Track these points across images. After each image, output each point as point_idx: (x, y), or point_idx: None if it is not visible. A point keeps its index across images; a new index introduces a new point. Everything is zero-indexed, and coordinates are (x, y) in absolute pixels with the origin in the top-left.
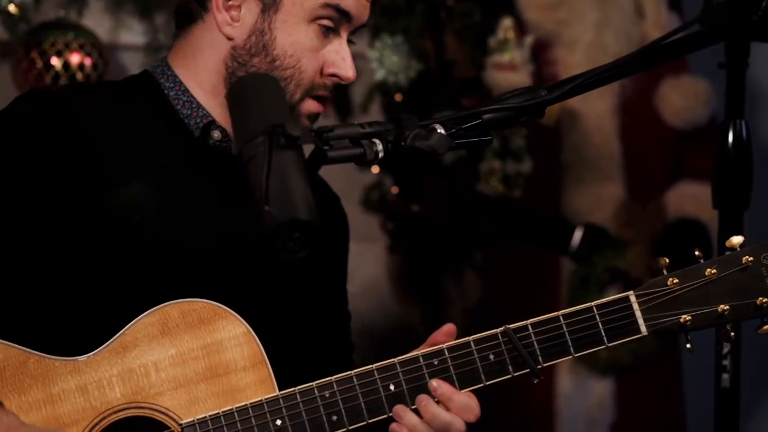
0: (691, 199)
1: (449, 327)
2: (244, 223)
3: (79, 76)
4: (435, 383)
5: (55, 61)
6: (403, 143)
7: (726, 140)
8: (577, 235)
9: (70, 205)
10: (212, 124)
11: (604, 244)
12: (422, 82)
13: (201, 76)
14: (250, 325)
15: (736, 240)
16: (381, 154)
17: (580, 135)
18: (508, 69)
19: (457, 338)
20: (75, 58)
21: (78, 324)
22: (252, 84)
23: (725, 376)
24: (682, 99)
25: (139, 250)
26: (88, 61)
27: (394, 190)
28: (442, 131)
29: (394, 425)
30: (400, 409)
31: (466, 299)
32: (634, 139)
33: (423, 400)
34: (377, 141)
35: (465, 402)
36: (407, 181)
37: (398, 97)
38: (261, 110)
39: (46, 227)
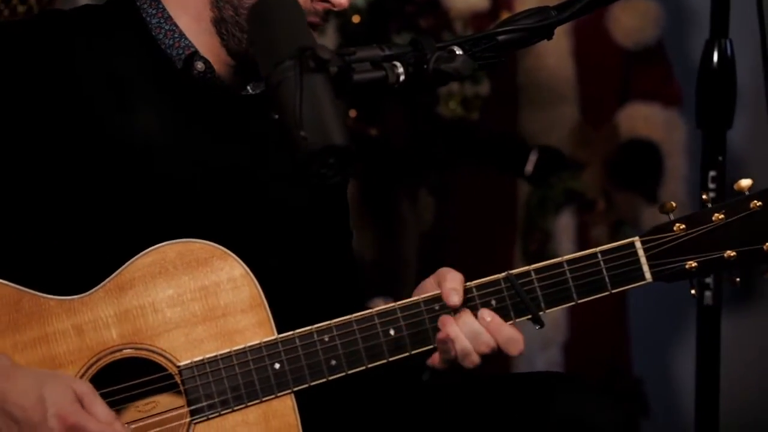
0: (642, 119)
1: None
2: (228, 156)
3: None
4: (485, 313)
5: None
6: (425, 66)
7: (710, 59)
8: (533, 157)
9: (46, 140)
10: (195, 55)
11: (559, 166)
12: (380, 4)
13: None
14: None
15: (745, 183)
16: (402, 78)
17: (535, 57)
18: None
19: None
20: None
21: (70, 262)
22: (275, 5)
23: (708, 293)
24: (633, 19)
25: (119, 183)
26: None
27: (352, 113)
28: (461, 53)
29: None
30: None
31: (422, 222)
32: (586, 60)
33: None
34: (398, 64)
35: (511, 335)
36: (365, 105)
37: (355, 18)
38: (287, 33)
39: (27, 162)
